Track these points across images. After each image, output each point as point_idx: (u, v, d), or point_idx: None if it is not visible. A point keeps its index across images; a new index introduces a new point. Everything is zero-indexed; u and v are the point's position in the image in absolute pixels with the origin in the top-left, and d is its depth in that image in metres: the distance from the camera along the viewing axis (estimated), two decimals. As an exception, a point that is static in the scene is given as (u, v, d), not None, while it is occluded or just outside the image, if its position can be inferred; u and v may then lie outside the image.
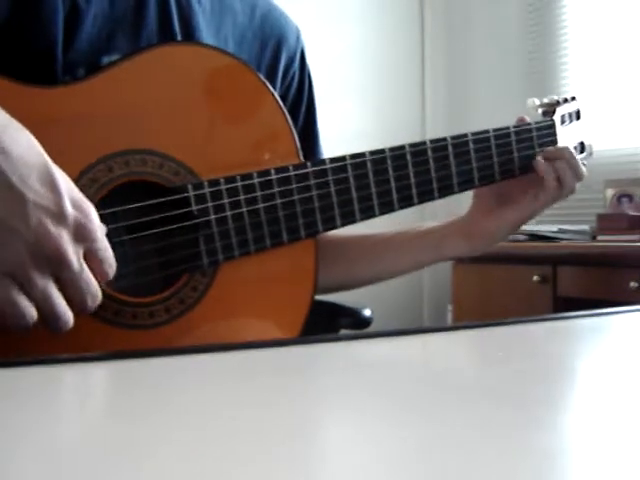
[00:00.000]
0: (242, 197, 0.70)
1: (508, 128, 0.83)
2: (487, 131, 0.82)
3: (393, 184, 0.76)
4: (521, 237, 2.14)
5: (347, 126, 2.64)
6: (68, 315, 0.55)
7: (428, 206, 0.86)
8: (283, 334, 0.73)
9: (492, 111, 2.47)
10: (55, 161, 0.56)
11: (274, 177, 0.71)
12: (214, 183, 0.69)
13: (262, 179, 0.71)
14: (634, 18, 2.33)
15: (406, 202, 0.78)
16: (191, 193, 0.68)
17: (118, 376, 0.43)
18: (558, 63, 2.58)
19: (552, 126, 0.87)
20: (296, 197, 0.72)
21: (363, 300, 1.16)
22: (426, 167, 0.78)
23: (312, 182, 0.73)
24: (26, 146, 0.54)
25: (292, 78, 0.89)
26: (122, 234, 0.67)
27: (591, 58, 2.46)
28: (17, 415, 0.32)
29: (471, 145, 0.80)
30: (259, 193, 0.71)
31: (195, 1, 0.78)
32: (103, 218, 0.63)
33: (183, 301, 0.68)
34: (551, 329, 0.61)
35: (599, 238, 2.05)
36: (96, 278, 0.57)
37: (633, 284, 1.78)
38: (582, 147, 0.93)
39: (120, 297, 0.65)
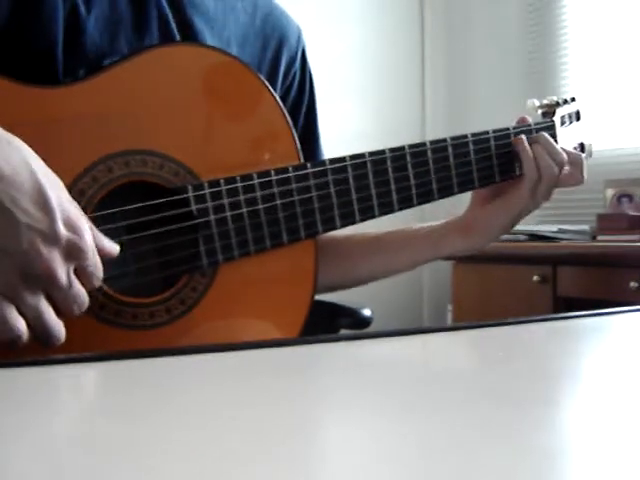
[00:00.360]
0: (242, 197, 0.70)
1: (508, 129, 0.83)
2: (487, 132, 0.82)
3: (393, 185, 0.76)
4: (521, 237, 2.14)
5: (347, 126, 2.63)
6: (59, 330, 0.56)
7: (428, 207, 0.86)
8: (283, 335, 0.73)
9: (492, 111, 2.47)
10: (54, 161, 0.56)
11: (274, 178, 0.71)
12: (214, 184, 0.69)
13: (262, 180, 0.71)
14: (634, 18, 2.33)
15: (406, 203, 0.77)
16: (191, 194, 0.68)
17: (118, 376, 0.43)
18: (558, 63, 2.58)
19: (552, 127, 0.87)
20: (296, 198, 0.72)
21: (363, 300, 1.16)
22: (426, 168, 0.78)
23: (312, 183, 0.73)
24: (18, 165, 0.54)
25: (293, 78, 0.89)
26: (122, 234, 0.67)
27: (591, 58, 2.46)
28: (16, 415, 0.32)
29: (471, 146, 0.80)
30: (259, 194, 0.70)
31: (197, 3, 0.78)
32: (103, 218, 0.63)
33: (183, 301, 0.68)
34: (551, 329, 0.61)
35: (599, 238, 2.05)
36: (84, 287, 0.57)
37: (633, 284, 1.78)
38: (582, 148, 0.93)
39: (120, 297, 0.65)
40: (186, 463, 0.25)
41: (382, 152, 0.76)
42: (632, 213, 2.07)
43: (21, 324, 0.54)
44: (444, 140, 0.79)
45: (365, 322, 1.11)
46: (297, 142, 0.74)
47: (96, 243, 0.58)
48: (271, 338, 0.72)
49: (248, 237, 0.70)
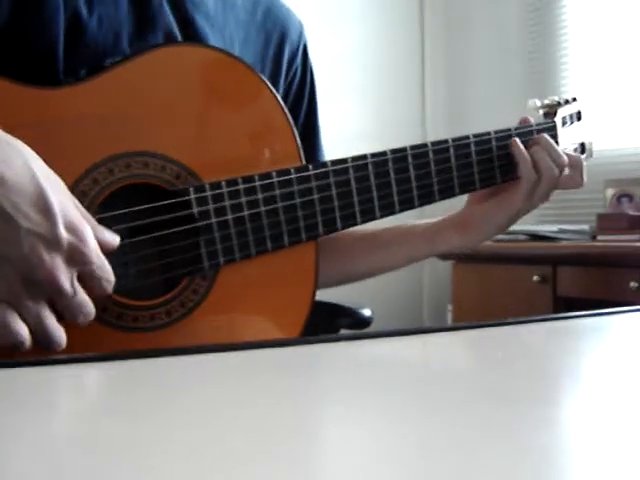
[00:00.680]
0: (244, 200, 0.70)
1: (509, 130, 0.83)
2: (488, 133, 0.82)
3: (394, 186, 0.76)
4: (521, 237, 2.14)
5: (347, 126, 2.63)
6: (61, 336, 0.56)
7: (428, 207, 0.85)
8: (284, 335, 0.73)
9: (492, 111, 2.47)
10: (56, 163, 0.56)
11: (275, 180, 0.71)
12: (215, 186, 0.69)
13: (263, 182, 0.70)
14: (634, 18, 2.33)
15: (407, 204, 0.77)
16: (192, 196, 0.68)
17: (119, 376, 0.43)
18: (558, 63, 2.58)
19: (553, 128, 0.86)
20: (297, 200, 0.72)
21: (363, 300, 1.16)
22: (427, 169, 0.78)
23: (314, 184, 0.73)
24: (19, 169, 0.53)
25: (295, 73, 0.89)
26: (123, 237, 0.66)
27: (591, 58, 2.46)
28: (17, 415, 0.32)
29: (473, 147, 0.80)
30: (260, 196, 0.70)
31: (198, 2, 0.78)
32: (104, 221, 0.63)
33: (184, 304, 0.68)
34: (551, 329, 0.61)
35: (599, 238, 2.05)
36: (95, 293, 0.57)
37: (633, 284, 1.78)
38: (583, 148, 0.93)
39: (121, 300, 0.65)
40: (186, 463, 0.25)
41: (384, 153, 0.76)
42: (632, 213, 2.07)
43: (23, 330, 0.54)
44: (446, 141, 0.79)
45: (365, 322, 1.11)
46: (299, 142, 0.74)
47: (96, 236, 0.57)
48: (272, 338, 0.72)
49: (249, 239, 0.70)
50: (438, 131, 2.78)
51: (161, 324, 0.67)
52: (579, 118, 0.93)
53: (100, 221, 0.62)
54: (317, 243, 0.75)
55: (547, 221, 2.46)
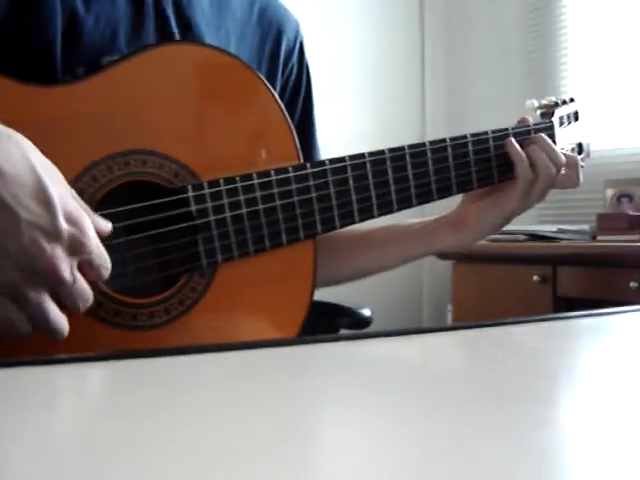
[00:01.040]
0: (242, 198, 0.70)
1: (507, 130, 0.83)
2: (486, 132, 0.82)
3: (392, 185, 0.76)
4: (521, 237, 2.14)
5: (347, 126, 2.63)
6: (63, 326, 0.56)
7: (427, 207, 0.86)
8: (282, 335, 0.73)
9: (492, 111, 2.47)
10: (54, 160, 0.56)
11: (274, 178, 0.71)
12: (214, 184, 0.69)
13: (261, 180, 0.71)
14: (634, 18, 2.33)
15: (405, 203, 0.78)
16: (190, 194, 0.68)
17: (119, 376, 0.43)
18: (558, 63, 2.58)
19: (551, 128, 0.87)
20: (295, 198, 0.72)
21: (363, 300, 1.16)
22: (425, 169, 0.78)
23: (312, 183, 0.73)
24: (19, 161, 0.53)
25: (291, 71, 0.89)
26: (121, 234, 0.67)
27: (591, 58, 2.46)
28: (17, 415, 0.32)
29: (470, 147, 0.80)
30: (258, 194, 0.70)
31: (194, 1, 0.78)
32: (103, 218, 0.63)
33: (182, 302, 0.68)
34: (551, 329, 0.61)
35: (599, 238, 2.05)
36: (92, 279, 0.57)
37: (633, 284, 1.78)
38: (580, 148, 0.93)
39: (120, 298, 0.65)
40: (186, 463, 0.25)
41: (381, 152, 0.76)
42: (632, 213, 2.07)
43: (25, 322, 0.55)
44: (443, 140, 0.79)
45: (365, 322, 1.11)
46: (297, 141, 0.74)
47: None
48: (271, 338, 0.72)
49: (247, 237, 0.70)
50: (438, 131, 2.78)
51: (160, 322, 0.67)
52: (576, 118, 0.93)
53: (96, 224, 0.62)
54: (316, 243, 0.75)
55: (547, 221, 2.47)
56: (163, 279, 0.69)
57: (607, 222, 2.06)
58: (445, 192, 0.80)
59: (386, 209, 0.77)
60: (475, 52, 2.85)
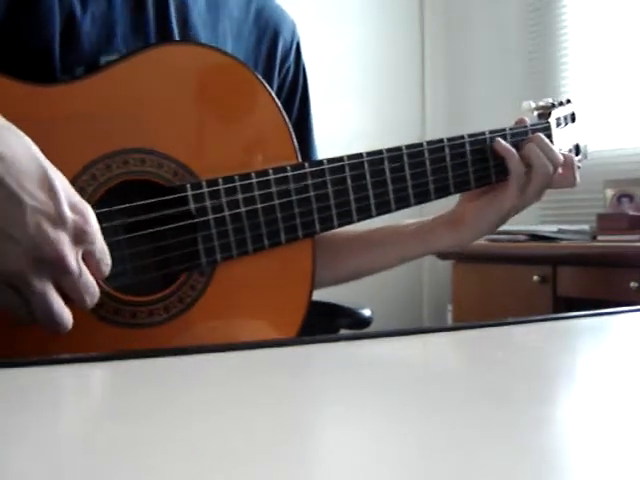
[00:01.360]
0: (240, 197, 0.70)
1: (504, 130, 0.83)
2: (483, 133, 0.82)
3: (390, 185, 0.77)
4: (521, 237, 2.14)
5: (347, 126, 2.64)
6: (67, 318, 0.56)
7: (426, 208, 0.86)
8: (280, 334, 0.73)
9: (492, 111, 2.47)
10: (54, 159, 0.56)
11: (272, 177, 0.71)
12: (212, 183, 0.69)
13: (260, 179, 0.71)
14: (634, 18, 2.33)
15: (403, 203, 0.78)
16: (189, 193, 0.68)
17: (119, 376, 0.44)
18: (558, 63, 2.58)
19: (548, 128, 0.87)
20: (294, 197, 0.72)
21: (363, 300, 1.16)
22: (423, 169, 0.78)
23: (310, 182, 0.73)
24: (22, 150, 0.54)
25: (287, 71, 0.89)
26: (120, 233, 0.67)
27: (591, 58, 2.46)
28: (18, 415, 0.32)
29: (468, 147, 0.81)
30: (257, 193, 0.71)
31: (191, 0, 0.78)
32: (101, 217, 0.63)
33: (182, 300, 0.68)
34: (551, 329, 0.61)
35: (599, 238, 2.05)
36: (93, 274, 0.57)
37: (633, 284, 1.78)
38: (577, 149, 0.93)
39: (119, 296, 0.65)
40: (186, 463, 0.25)
41: (379, 152, 0.77)
42: (632, 213, 2.07)
43: (30, 312, 0.55)
44: (441, 141, 0.79)
45: (365, 322, 1.11)
46: (295, 141, 0.74)
47: None
48: (269, 337, 0.72)
49: (246, 236, 0.70)
50: (438, 131, 2.78)
51: (159, 320, 0.67)
52: (573, 120, 0.93)
53: (98, 216, 0.62)
54: (314, 243, 0.75)
55: (547, 221, 2.47)
56: (162, 277, 0.70)
57: (607, 222, 2.06)
58: (443, 192, 0.80)
59: (384, 209, 0.77)
60: (475, 52, 2.85)
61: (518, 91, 2.58)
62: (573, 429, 0.31)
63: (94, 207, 0.62)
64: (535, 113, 0.91)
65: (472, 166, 0.81)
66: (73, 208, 0.55)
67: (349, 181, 0.75)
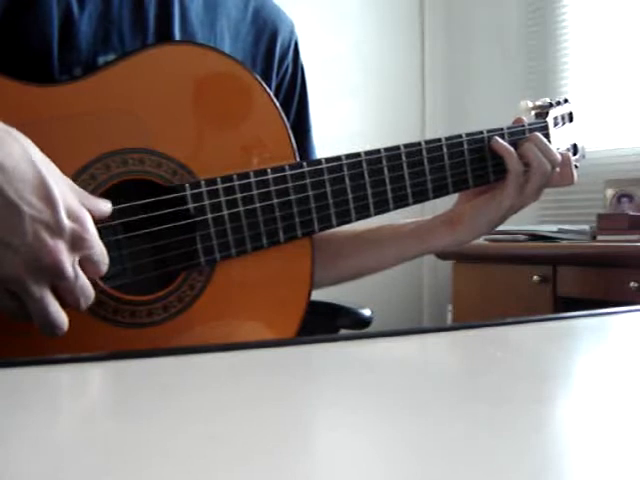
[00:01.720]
0: (239, 196, 0.70)
1: (502, 129, 0.83)
2: (481, 132, 0.82)
3: (388, 184, 0.77)
4: (521, 237, 2.14)
5: (347, 126, 2.64)
6: (63, 321, 0.57)
7: (427, 208, 0.86)
8: (279, 334, 0.73)
9: (492, 111, 2.47)
10: (53, 159, 0.56)
11: (270, 176, 0.72)
12: (211, 182, 0.69)
13: (258, 178, 0.71)
14: (634, 18, 2.33)
15: (401, 202, 0.78)
16: (188, 192, 0.68)
17: (119, 376, 0.43)
18: (558, 63, 2.58)
19: (545, 128, 0.87)
20: (292, 197, 0.73)
21: (363, 300, 1.16)
22: (421, 168, 0.78)
23: (308, 181, 0.73)
24: (21, 157, 0.54)
25: (285, 71, 0.89)
26: (119, 232, 0.67)
27: (591, 58, 2.46)
28: (16, 415, 0.32)
29: (465, 146, 0.81)
30: (255, 192, 0.71)
31: None
32: (102, 199, 0.64)
33: (181, 299, 0.68)
34: (551, 329, 0.61)
35: (599, 238, 2.05)
36: (91, 275, 0.58)
37: (633, 284, 1.78)
38: (575, 149, 0.93)
39: (118, 295, 0.65)
40: (186, 463, 0.25)
41: (377, 151, 0.77)
42: (632, 213, 2.07)
43: (26, 315, 0.56)
44: (439, 140, 0.80)
45: (365, 322, 1.11)
46: (293, 141, 0.74)
47: (90, 209, 0.58)
48: (268, 337, 0.72)
49: (245, 235, 0.71)
50: (438, 131, 2.78)
51: (158, 319, 0.67)
52: (571, 119, 0.93)
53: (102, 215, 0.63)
54: (313, 242, 0.75)
55: (547, 221, 2.47)
56: (161, 277, 0.70)
57: (607, 222, 2.06)
58: (441, 191, 0.80)
59: (382, 208, 0.77)
60: (475, 52, 2.85)
61: (518, 91, 2.58)
62: (573, 429, 0.31)
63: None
64: (533, 113, 0.91)
65: (470, 165, 0.81)
66: (70, 214, 0.56)
67: (347, 180, 0.75)
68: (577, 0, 2.51)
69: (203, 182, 0.69)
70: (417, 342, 0.55)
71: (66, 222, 0.55)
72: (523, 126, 0.85)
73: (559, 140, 0.89)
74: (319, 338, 0.56)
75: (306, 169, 0.73)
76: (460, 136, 0.81)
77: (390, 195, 0.77)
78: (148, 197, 0.67)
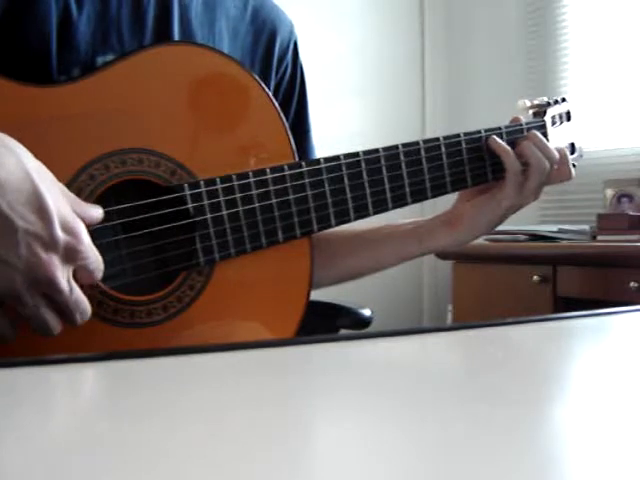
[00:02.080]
0: (238, 196, 0.70)
1: (500, 128, 0.83)
2: (479, 131, 0.82)
3: (387, 184, 0.77)
4: (521, 237, 2.14)
5: (347, 126, 2.64)
6: (55, 325, 0.58)
7: (427, 209, 0.86)
8: (278, 334, 0.73)
9: (492, 111, 2.46)
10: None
11: (269, 176, 0.72)
12: (210, 182, 0.69)
13: (257, 178, 0.71)
14: (634, 18, 2.33)
15: (400, 201, 0.78)
16: (187, 192, 0.68)
17: (118, 376, 0.43)
18: (558, 63, 2.58)
19: (543, 126, 0.87)
20: (291, 196, 0.73)
21: (363, 300, 1.16)
22: (419, 167, 0.78)
23: (307, 181, 0.73)
24: (14, 168, 0.53)
25: (285, 70, 0.89)
26: (119, 233, 0.67)
27: (591, 58, 2.46)
28: (15, 415, 0.32)
29: (463, 145, 0.81)
30: (254, 192, 0.71)
31: None
32: (92, 205, 0.64)
33: (181, 299, 0.68)
34: (551, 329, 0.61)
35: (599, 238, 2.05)
36: (85, 282, 0.58)
37: (633, 284, 1.77)
38: (573, 148, 0.93)
39: (118, 296, 0.65)
40: (185, 463, 0.25)
41: (376, 151, 0.77)
42: (632, 213, 2.07)
43: (21, 321, 0.57)
44: (437, 139, 0.80)
45: (365, 322, 1.11)
46: (292, 141, 0.74)
47: (82, 216, 0.58)
48: (268, 337, 0.72)
49: (244, 235, 0.71)
50: (438, 131, 2.77)
51: (158, 319, 0.67)
52: (569, 118, 0.93)
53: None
54: (312, 243, 0.75)
55: (547, 221, 2.46)
56: (161, 277, 0.70)
57: (607, 222, 2.06)
58: (439, 190, 0.80)
59: (381, 207, 0.77)
60: (475, 52, 2.85)
61: (518, 91, 2.58)
62: (573, 429, 0.31)
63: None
64: (530, 112, 0.91)
65: (468, 164, 0.81)
66: (64, 227, 0.55)
67: (346, 180, 0.75)
68: (577, 0, 2.51)
69: (202, 182, 0.69)
70: (417, 342, 0.55)
71: (60, 235, 0.55)
72: (521, 125, 0.85)
73: (557, 139, 0.89)
74: (319, 338, 0.56)
75: (305, 169, 0.73)
76: (458, 135, 0.81)
77: (389, 194, 0.77)
78: (147, 197, 0.67)
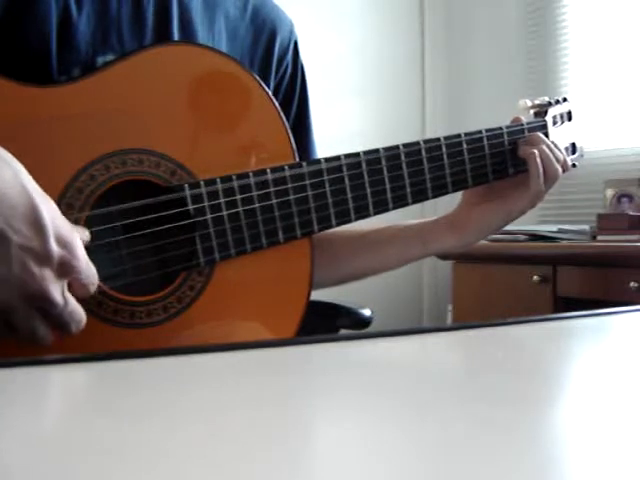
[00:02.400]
0: (238, 197, 0.70)
1: (501, 128, 0.83)
2: (480, 131, 0.82)
3: (387, 184, 0.77)
4: (521, 237, 2.14)
5: (347, 126, 2.64)
6: (47, 335, 0.58)
7: (427, 209, 0.86)
8: (278, 334, 0.73)
9: (492, 111, 2.47)
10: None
11: (270, 177, 0.71)
12: (210, 182, 0.69)
13: (258, 179, 0.71)
14: (634, 18, 2.33)
15: (400, 202, 0.78)
16: (187, 192, 0.68)
17: (117, 376, 0.43)
18: (558, 63, 2.58)
19: (544, 126, 0.87)
20: (292, 197, 0.72)
21: (363, 300, 1.16)
22: (420, 167, 0.78)
23: (307, 182, 0.73)
24: (10, 183, 0.53)
25: (285, 70, 0.89)
26: (119, 233, 0.67)
27: (591, 58, 2.46)
28: (13, 416, 0.32)
29: (464, 145, 0.81)
30: (255, 193, 0.71)
31: None
32: (100, 217, 0.64)
33: (181, 300, 0.68)
34: (551, 329, 0.61)
35: (599, 238, 2.05)
36: (78, 295, 0.58)
37: (633, 284, 1.77)
38: (574, 148, 0.93)
39: (118, 296, 0.65)
40: (185, 463, 0.25)
41: (376, 151, 0.77)
42: (632, 213, 2.07)
43: (12, 332, 0.57)
44: (438, 139, 0.80)
45: (365, 322, 1.11)
46: (292, 141, 0.74)
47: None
48: (268, 337, 0.72)
49: (244, 235, 0.71)
50: (438, 131, 2.77)
51: (158, 320, 0.67)
52: (570, 118, 0.93)
53: (95, 217, 0.63)
54: (313, 243, 0.75)
55: (547, 221, 2.46)
56: (161, 277, 0.70)
57: (607, 222, 2.06)
58: (440, 190, 0.80)
59: (382, 207, 0.77)
60: (475, 52, 2.85)
61: (518, 91, 2.58)
62: (573, 429, 0.31)
63: (92, 208, 0.63)
64: (531, 111, 0.91)
65: (469, 164, 0.81)
66: (60, 241, 0.55)
67: (347, 180, 0.75)
68: (577, 0, 2.51)
69: (202, 182, 0.69)
70: (417, 342, 0.55)
71: (55, 249, 0.54)
72: (522, 125, 0.85)
73: (558, 139, 0.89)
74: (319, 338, 0.56)
75: (305, 169, 0.73)
76: (459, 135, 0.81)
77: (389, 195, 0.77)
78: (147, 198, 0.67)
